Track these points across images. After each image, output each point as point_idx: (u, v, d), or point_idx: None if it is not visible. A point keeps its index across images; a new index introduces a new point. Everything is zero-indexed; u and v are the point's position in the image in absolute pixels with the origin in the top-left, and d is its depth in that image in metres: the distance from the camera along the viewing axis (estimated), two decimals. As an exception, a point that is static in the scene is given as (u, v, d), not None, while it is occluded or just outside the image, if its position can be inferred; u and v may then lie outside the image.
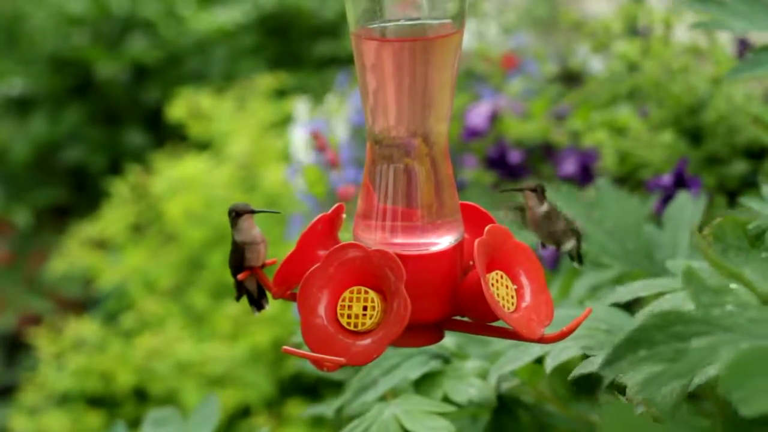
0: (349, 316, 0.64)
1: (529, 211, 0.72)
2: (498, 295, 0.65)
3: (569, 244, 0.74)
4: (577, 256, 0.75)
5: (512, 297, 0.66)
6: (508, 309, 0.65)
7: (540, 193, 0.72)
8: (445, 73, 0.65)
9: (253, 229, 0.69)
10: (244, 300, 0.74)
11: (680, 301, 0.71)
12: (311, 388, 1.92)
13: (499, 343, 0.84)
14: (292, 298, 0.69)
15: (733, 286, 0.57)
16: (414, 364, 0.82)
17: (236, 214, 0.69)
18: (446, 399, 0.79)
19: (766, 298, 0.57)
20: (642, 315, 0.72)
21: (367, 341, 0.63)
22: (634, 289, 0.77)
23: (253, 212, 0.69)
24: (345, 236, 0.71)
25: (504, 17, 2.00)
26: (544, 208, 0.72)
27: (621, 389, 0.65)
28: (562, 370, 0.80)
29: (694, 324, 0.52)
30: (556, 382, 0.91)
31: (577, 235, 0.74)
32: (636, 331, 0.52)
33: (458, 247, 0.67)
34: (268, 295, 0.72)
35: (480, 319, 0.67)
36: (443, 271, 0.66)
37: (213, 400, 0.90)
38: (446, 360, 0.83)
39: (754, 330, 0.52)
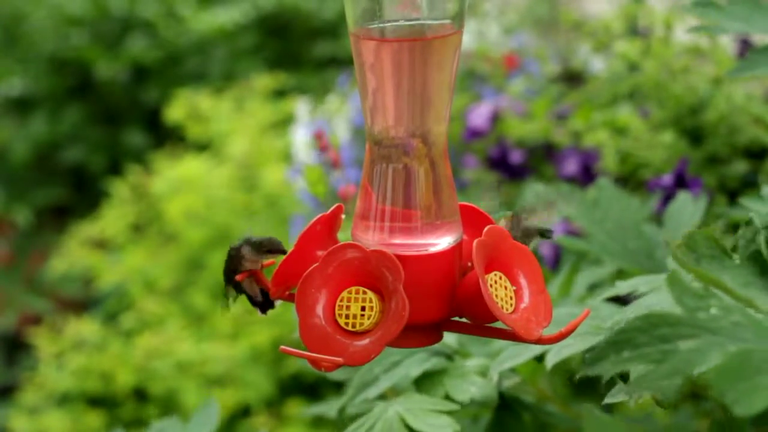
0: (347, 316, 0.64)
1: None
2: (496, 296, 0.65)
3: (533, 243, 0.74)
4: (545, 236, 0.74)
5: (511, 298, 0.66)
6: (507, 310, 0.65)
7: (514, 219, 0.71)
8: (445, 74, 0.65)
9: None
10: (244, 300, 0.74)
11: (664, 299, 0.71)
12: (311, 388, 1.92)
13: (500, 341, 0.84)
14: (291, 298, 0.69)
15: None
16: (415, 361, 0.82)
17: (268, 251, 0.69)
18: (448, 397, 0.79)
19: (747, 302, 0.58)
20: (626, 313, 0.72)
21: (365, 341, 0.63)
22: (635, 283, 0.77)
23: (284, 252, 0.69)
24: (343, 236, 0.71)
25: (505, 17, 2.00)
26: (503, 223, 0.71)
27: (625, 377, 0.65)
28: (562, 369, 0.80)
29: (680, 326, 0.53)
30: (557, 380, 0.91)
31: (535, 232, 0.73)
32: (619, 333, 0.54)
33: (457, 248, 0.67)
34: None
35: (478, 319, 0.67)
36: (442, 271, 0.66)
37: (212, 405, 0.90)
38: (448, 357, 0.83)
39: (738, 333, 0.53)
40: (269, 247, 0.69)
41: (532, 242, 0.72)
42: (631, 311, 0.73)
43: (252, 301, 0.73)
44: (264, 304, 0.73)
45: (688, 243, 0.62)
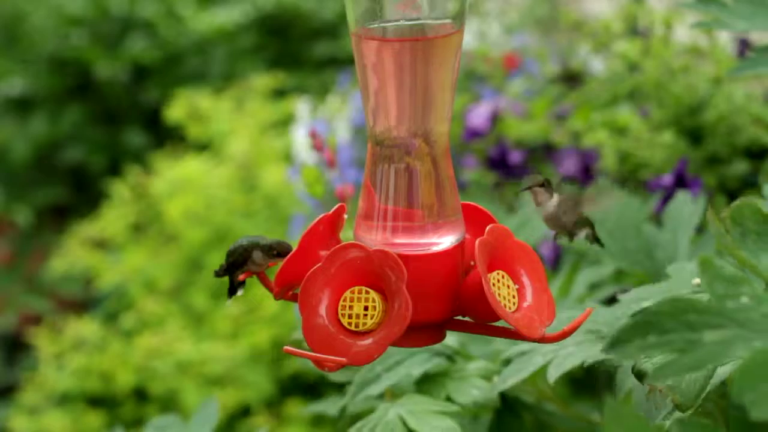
0: (350, 316, 0.64)
1: (538, 207, 0.71)
2: (499, 294, 0.65)
3: (582, 233, 0.73)
4: (594, 240, 0.74)
5: (513, 297, 0.66)
6: (510, 309, 0.65)
7: (548, 187, 0.71)
8: (446, 73, 0.65)
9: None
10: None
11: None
12: (311, 388, 1.92)
13: (501, 342, 0.84)
14: (294, 298, 0.69)
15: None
16: (417, 360, 0.82)
17: (277, 254, 0.69)
18: (449, 400, 0.79)
19: None
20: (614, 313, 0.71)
21: (368, 341, 0.63)
22: (639, 296, 0.77)
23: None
24: (346, 236, 0.71)
25: (506, 17, 2.00)
26: (554, 201, 0.71)
27: (641, 375, 0.64)
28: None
29: (707, 315, 0.50)
30: (558, 381, 0.91)
31: (589, 222, 0.73)
32: (645, 315, 0.50)
33: (459, 247, 0.67)
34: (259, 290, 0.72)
35: (481, 319, 0.67)
36: (444, 271, 0.66)
37: (212, 403, 0.90)
38: (449, 357, 0.83)
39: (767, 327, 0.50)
40: (279, 250, 0.69)
41: (582, 233, 0.72)
42: (619, 310, 0.73)
43: (231, 287, 0.73)
44: (232, 289, 0.73)
45: (735, 216, 0.59)
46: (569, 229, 0.72)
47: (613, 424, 0.48)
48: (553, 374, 0.74)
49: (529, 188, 0.71)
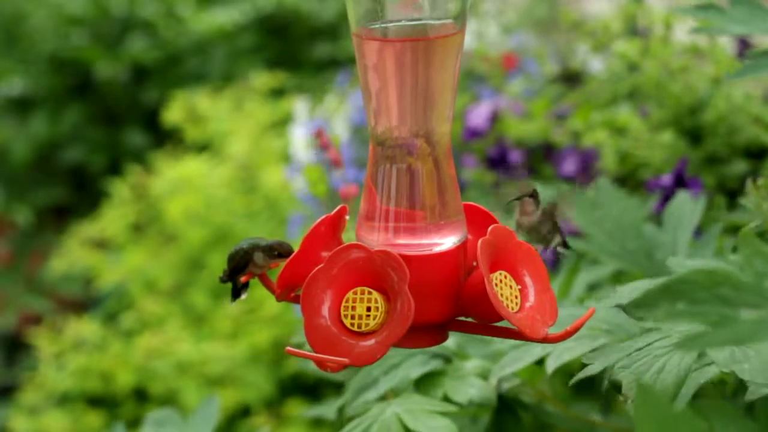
0: (352, 317, 0.64)
1: (521, 216, 0.72)
2: (502, 295, 0.65)
3: (555, 240, 0.74)
4: (566, 247, 0.75)
5: (516, 297, 0.66)
6: (512, 309, 0.65)
7: (535, 198, 0.72)
8: (447, 73, 0.65)
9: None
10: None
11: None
12: (311, 388, 1.92)
13: (499, 343, 0.84)
14: (296, 300, 0.68)
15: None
16: (415, 363, 0.82)
17: (279, 255, 0.69)
18: (447, 399, 0.79)
19: None
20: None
21: (370, 342, 0.63)
22: (637, 288, 0.77)
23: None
24: (348, 237, 0.71)
25: (504, 17, 2.00)
26: (538, 213, 0.72)
27: (617, 386, 0.65)
28: (562, 370, 0.80)
29: (744, 292, 0.48)
30: (557, 382, 0.91)
31: (560, 230, 0.74)
32: (676, 281, 0.49)
33: (461, 248, 0.67)
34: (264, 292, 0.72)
35: (484, 319, 0.67)
36: (447, 271, 0.66)
37: (213, 401, 0.90)
38: (447, 359, 0.83)
39: None
40: (280, 251, 0.69)
41: (555, 241, 0.73)
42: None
43: (234, 290, 0.73)
44: (236, 292, 0.73)
45: None
46: (546, 239, 0.73)
47: (646, 419, 0.46)
48: (551, 365, 0.74)
49: (519, 198, 0.71)
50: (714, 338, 0.48)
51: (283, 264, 0.68)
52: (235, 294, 0.73)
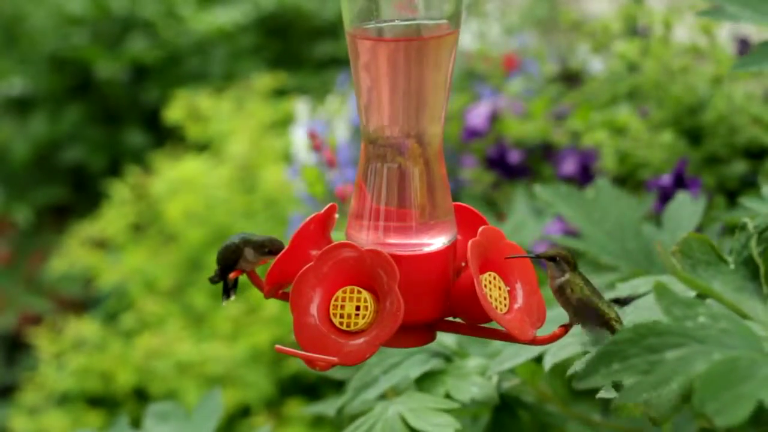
0: (341, 316, 0.63)
1: (552, 281, 0.67)
2: (491, 296, 0.64)
3: (594, 334, 0.68)
4: (611, 330, 0.67)
5: (505, 298, 0.66)
6: (501, 310, 0.65)
7: (559, 262, 0.66)
8: (440, 74, 0.65)
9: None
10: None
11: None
12: (311, 388, 1.92)
13: (499, 343, 0.84)
14: (284, 297, 0.68)
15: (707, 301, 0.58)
16: (415, 362, 0.82)
17: (269, 251, 0.69)
18: (448, 397, 0.79)
19: (734, 307, 0.59)
20: (625, 314, 0.72)
21: (359, 341, 0.63)
22: (634, 285, 0.77)
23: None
24: (338, 236, 0.70)
25: (506, 18, 2.00)
26: (561, 279, 0.66)
27: (618, 386, 0.65)
28: (562, 370, 0.80)
29: (667, 336, 0.54)
30: (557, 381, 0.91)
31: (612, 329, 0.67)
32: (609, 345, 0.54)
33: (451, 248, 0.66)
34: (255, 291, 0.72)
35: (473, 320, 0.67)
36: (436, 271, 0.66)
37: (216, 395, 0.90)
38: (447, 358, 0.83)
39: (725, 340, 0.54)
40: (270, 248, 0.69)
41: (594, 332, 0.67)
42: (630, 311, 0.73)
43: (225, 289, 0.74)
44: (226, 291, 0.73)
45: (684, 249, 0.63)
46: (574, 315, 0.67)
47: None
48: (548, 362, 0.74)
49: (539, 257, 0.67)
50: (645, 384, 0.53)
51: (272, 260, 0.68)
52: (226, 293, 0.73)
